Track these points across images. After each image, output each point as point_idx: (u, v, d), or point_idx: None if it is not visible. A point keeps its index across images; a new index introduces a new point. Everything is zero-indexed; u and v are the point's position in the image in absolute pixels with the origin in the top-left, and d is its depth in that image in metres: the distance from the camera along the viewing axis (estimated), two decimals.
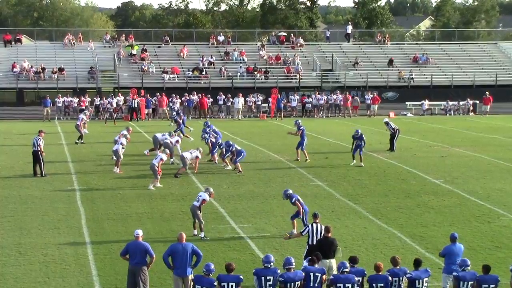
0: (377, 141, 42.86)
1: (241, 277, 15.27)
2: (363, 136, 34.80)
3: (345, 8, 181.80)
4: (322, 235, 17.96)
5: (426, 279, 15.53)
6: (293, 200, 22.27)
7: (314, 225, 18.35)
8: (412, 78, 67.78)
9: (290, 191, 22.57)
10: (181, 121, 43.57)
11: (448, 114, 63.32)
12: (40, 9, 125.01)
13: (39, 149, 32.37)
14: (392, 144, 39.63)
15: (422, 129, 50.94)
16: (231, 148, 33.93)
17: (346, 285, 15.11)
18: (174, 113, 47.58)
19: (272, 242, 21.86)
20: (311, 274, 15.33)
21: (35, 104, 61.72)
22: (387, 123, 40.06)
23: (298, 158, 36.23)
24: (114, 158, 33.94)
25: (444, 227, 23.65)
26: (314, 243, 17.93)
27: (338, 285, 15.10)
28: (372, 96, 61.97)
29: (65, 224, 24.01)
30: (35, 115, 58.38)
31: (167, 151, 32.21)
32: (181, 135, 41.38)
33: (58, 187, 29.98)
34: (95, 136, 45.98)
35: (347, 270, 15.29)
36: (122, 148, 34.12)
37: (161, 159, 29.62)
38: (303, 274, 15.32)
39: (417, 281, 15.43)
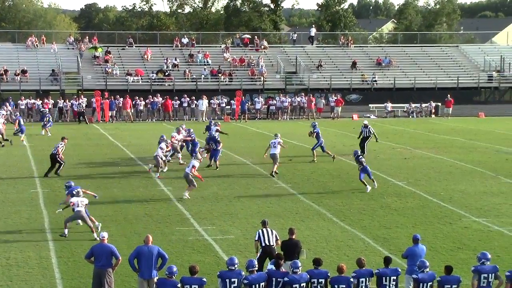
0: (340, 143, 43.11)
1: (205, 279, 15.28)
2: (361, 158, 30.29)
3: (308, 11, 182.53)
4: (275, 236, 18.16)
5: (394, 277, 15.63)
6: (67, 192, 23.51)
7: (264, 229, 18.37)
8: (375, 81, 68.24)
9: (71, 183, 24.01)
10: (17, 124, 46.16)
11: (410, 116, 63.86)
12: (2, 11, 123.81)
13: (57, 152, 32.84)
14: (363, 147, 39.54)
15: (385, 131, 51.28)
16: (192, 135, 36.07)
17: (302, 284, 15.19)
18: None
19: (236, 244, 21.89)
20: (274, 279, 15.38)
21: None
22: (366, 126, 40.03)
23: (315, 160, 36.94)
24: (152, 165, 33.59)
25: (407, 228, 23.85)
26: (268, 244, 18.01)
27: (294, 285, 15.15)
28: (335, 98, 62.30)
29: (28, 227, 23.84)
30: None
31: (199, 156, 29.78)
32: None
33: (21, 190, 29.76)
34: (58, 139, 45.59)
35: (298, 270, 15.34)
36: (164, 152, 33.55)
37: (193, 166, 27.91)
38: (267, 275, 15.39)
39: (384, 278, 15.54)
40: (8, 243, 21.99)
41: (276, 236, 18.27)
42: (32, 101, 57.82)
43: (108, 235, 17.34)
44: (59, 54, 67.28)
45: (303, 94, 63.23)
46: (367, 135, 39.62)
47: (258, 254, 18.09)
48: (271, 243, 18.10)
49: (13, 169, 34.52)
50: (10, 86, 62.30)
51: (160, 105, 59.39)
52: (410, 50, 77.14)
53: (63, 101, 58.73)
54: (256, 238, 18.26)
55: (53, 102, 58.22)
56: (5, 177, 32.40)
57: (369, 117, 62.71)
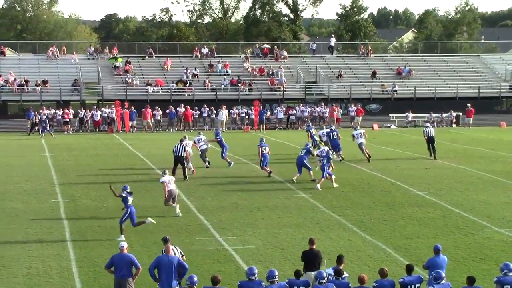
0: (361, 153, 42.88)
1: None
2: None
3: (328, 21, 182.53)
4: (179, 253, 17.62)
5: (418, 285, 15.59)
6: None
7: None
8: (396, 90, 68.03)
9: None
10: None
11: (431, 126, 63.42)
12: (24, 22, 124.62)
13: (185, 155, 34.31)
14: (431, 151, 41.47)
15: (406, 141, 51.14)
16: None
17: None
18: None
19: (257, 254, 21.85)
20: (295, 287, 15.33)
21: (18, 116, 61.61)
22: (426, 127, 42.60)
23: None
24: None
25: (428, 239, 23.71)
26: None
27: None
28: (356, 108, 62.18)
29: (48, 237, 23.92)
30: (18, 127, 58.23)
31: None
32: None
33: (42, 200, 29.85)
34: (78, 149, 45.90)
35: (324, 281, 15.26)
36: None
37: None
38: (287, 286, 15.33)
39: (409, 286, 15.49)
40: (29, 253, 22.06)
41: (180, 253, 17.83)
42: (53, 111, 58.08)
43: (127, 244, 17.32)
44: (79, 65, 67.63)
45: (323, 103, 63.17)
46: (430, 135, 41.28)
47: None
48: None
49: (34, 178, 34.66)
50: (31, 96, 62.64)
51: (180, 114, 59.50)
52: (431, 60, 76.85)
53: (84, 111, 59.03)
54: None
55: (73, 112, 58.51)
56: (26, 187, 32.52)
57: (389, 127, 62.53)
